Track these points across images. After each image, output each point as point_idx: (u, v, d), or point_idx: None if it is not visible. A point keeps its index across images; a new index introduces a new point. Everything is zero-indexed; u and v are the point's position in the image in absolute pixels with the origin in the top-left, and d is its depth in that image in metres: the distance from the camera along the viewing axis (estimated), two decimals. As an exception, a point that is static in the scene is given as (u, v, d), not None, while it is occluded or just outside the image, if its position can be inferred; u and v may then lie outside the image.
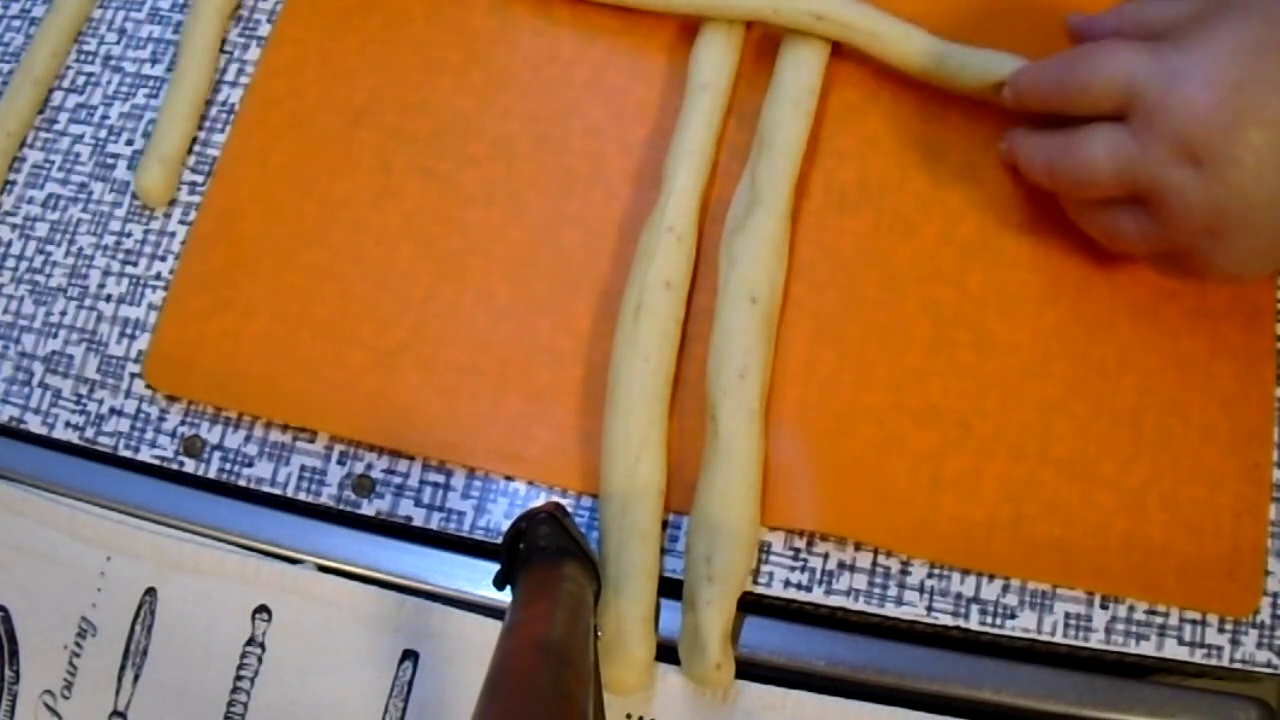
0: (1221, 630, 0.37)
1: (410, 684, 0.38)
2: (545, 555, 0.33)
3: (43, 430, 0.43)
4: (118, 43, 0.48)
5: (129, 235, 0.45)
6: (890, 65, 0.42)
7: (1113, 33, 0.37)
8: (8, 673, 0.40)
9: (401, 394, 0.41)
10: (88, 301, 0.44)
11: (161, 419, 0.42)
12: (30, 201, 0.46)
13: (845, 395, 0.39)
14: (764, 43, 0.44)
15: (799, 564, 0.38)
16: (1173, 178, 0.34)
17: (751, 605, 0.38)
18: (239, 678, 0.38)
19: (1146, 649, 0.37)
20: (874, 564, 0.38)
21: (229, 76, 0.47)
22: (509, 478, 0.40)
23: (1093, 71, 0.35)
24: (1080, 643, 0.37)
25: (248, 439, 0.42)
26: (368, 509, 0.40)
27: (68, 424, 0.43)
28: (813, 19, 0.41)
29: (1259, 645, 0.36)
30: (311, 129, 0.45)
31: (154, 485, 0.42)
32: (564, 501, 0.39)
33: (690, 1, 0.43)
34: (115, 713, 0.39)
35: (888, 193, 0.42)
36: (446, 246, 0.43)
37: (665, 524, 0.39)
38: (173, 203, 0.45)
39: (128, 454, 0.42)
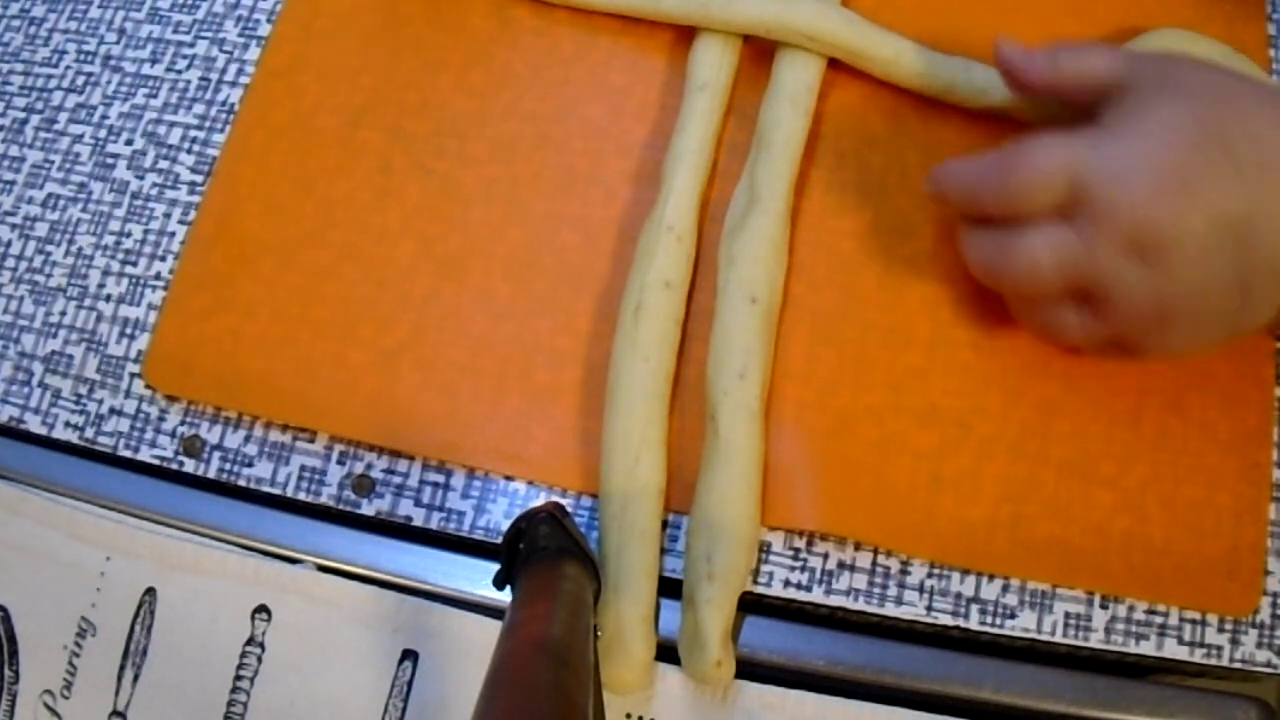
0: (1221, 630, 0.37)
1: (410, 684, 0.38)
2: (545, 555, 0.33)
3: (42, 430, 0.43)
4: (117, 43, 0.49)
5: (129, 235, 0.45)
6: (884, 80, 0.42)
7: (1044, 78, 0.37)
8: (7, 673, 0.40)
9: (401, 394, 0.41)
10: (87, 301, 0.44)
11: (161, 419, 0.42)
12: (30, 201, 0.46)
13: (845, 395, 0.39)
14: (763, 42, 0.44)
15: (799, 564, 0.38)
16: (1119, 274, 0.33)
17: (751, 605, 0.38)
18: (239, 677, 0.38)
19: (1146, 649, 0.37)
20: (874, 564, 0.38)
21: (229, 76, 0.47)
22: (509, 478, 0.40)
23: (1032, 170, 0.34)
24: (1080, 642, 0.37)
25: (247, 439, 0.42)
26: (368, 509, 0.40)
27: (67, 424, 0.43)
28: (805, 38, 0.41)
29: (1259, 645, 0.36)
30: (311, 129, 0.45)
31: (154, 485, 0.42)
32: (564, 501, 0.39)
33: (686, 15, 0.43)
34: (115, 712, 0.39)
35: (888, 193, 0.42)
36: (446, 246, 0.43)
37: (665, 524, 0.39)
38: (173, 203, 0.45)
39: (127, 454, 0.42)
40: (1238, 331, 0.35)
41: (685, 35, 0.44)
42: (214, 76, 0.47)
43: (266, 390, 0.41)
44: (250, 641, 0.39)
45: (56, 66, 0.49)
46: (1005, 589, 0.37)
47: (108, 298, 0.44)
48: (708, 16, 0.43)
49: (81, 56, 0.49)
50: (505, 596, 0.33)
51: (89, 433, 0.43)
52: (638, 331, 0.39)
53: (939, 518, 0.38)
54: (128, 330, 0.44)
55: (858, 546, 0.38)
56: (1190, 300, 0.33)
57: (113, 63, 0.48)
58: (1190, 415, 0.38)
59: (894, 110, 0.43)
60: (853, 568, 0.38)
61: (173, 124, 0.46)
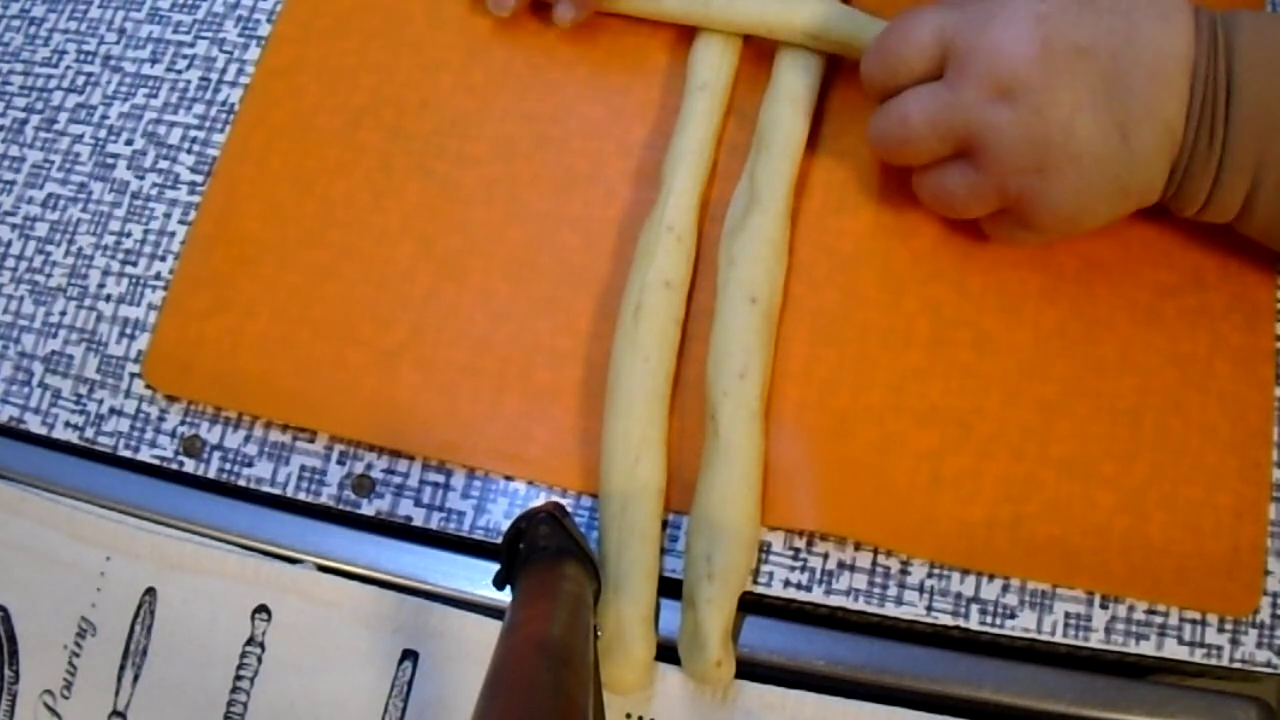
0: (1221, 630, 0.37)
1: (410, 684, 0.38)
2: (545, 555, 0.33)
3: (43, 430, 0.43)
4: (117, 43, 0.49)
5: (129, 235, 0.45)
6: None
7: None
8: (7, 673, 0.40)
9: (401, 394, 0.41)
10: (88, 301, 0.44)
11: (161, 419, 0.42)
12: (30, 201, 0.46)
13: (845, 395, 0.39)
14: (763, 42, 0.44)
15: (799, 564, 0.38)
16: (987, 117, 0.34)
17: (751, 605, 0.38)
18: (239, 677, 0.38)
19: (1146, 649, 0.37)
20: (874, 564, 0.38)
21: (229, 76, 0.47)
22: (509, 478, 0.40)
23: (904, 39, 0.36)
24: (1080, 642, 0.37)
25: (248, 439, 0.42)
26: (368, 509, 0.40)
27: (68, 424, 0.43)
28: (808, 37, 0.41)
29: (1259, 645, 0.36)
30: (311, 129, 0.45)
31: (154, 485, 0.42)
32: (564, 501, 0.39)
33: (686, 14, 0.43)
34: (115, 713, 0.39)
35: (888, 193, 0.42)
36: (446, 246, 0.43)
37: (665, 524, 0.39)
38: (173, 203, 0.45)
39: (127, 454, 0.42)
40: (1131, 194, 0.35)
41: (685, 35, 0.44)
42: (214, 76, 0.47)
43: (266, 390, 0.41)
44: (250, 641, 0.39)
45: (56, 66, 0.49)
46: (1005, 589, 0.37)
47: (108, 298, 0.44)
48: (708, 16, 0.43)
49: (81, 56, 0.49)
50: (505, 596, 0.33)
51: (89, 433, 0.43)
52: (638, 331, 0.39)
53: (939, 518, 0.38)
54: (128, 330, 0.44)
55: (858, 546, 0.38)
56: (1065, 141, 0.34)
57: (113, 63, 0.48)
58: (1190, 415, 0.38)
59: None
60: (853, 568, 0.38)
61: (173, 124, 0.46)
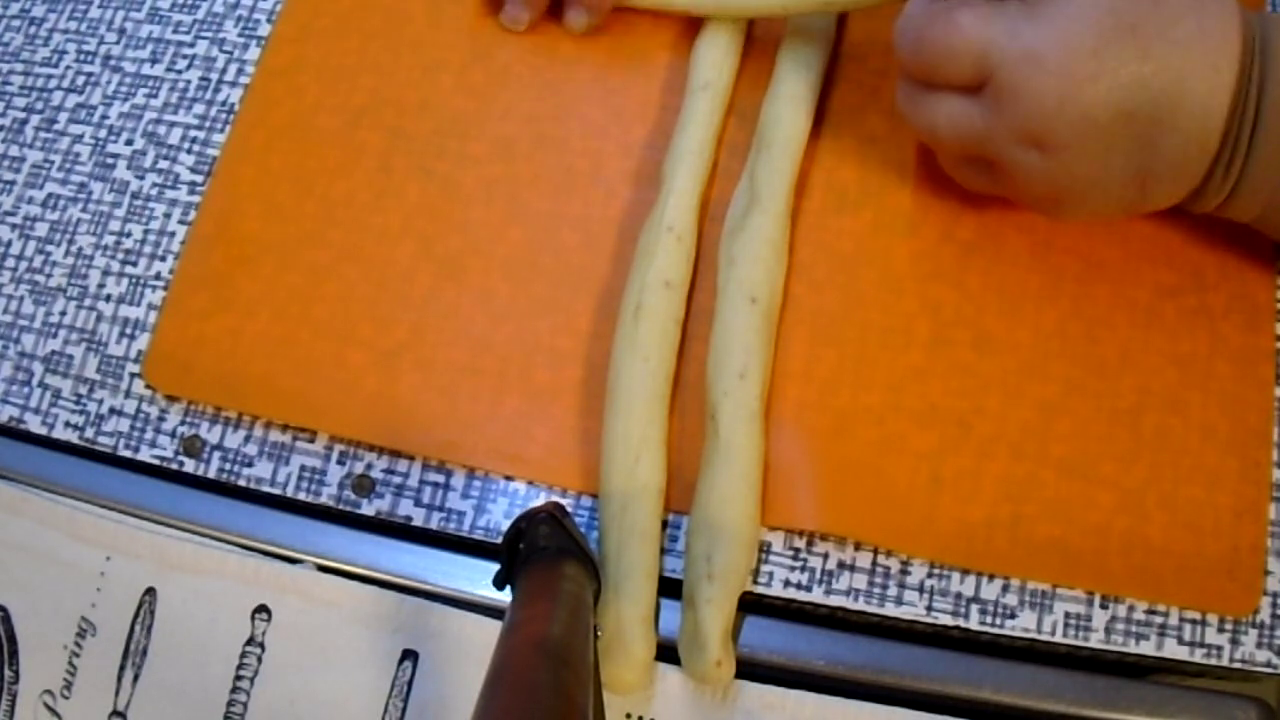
0: (1221, 630, 0.37)
1: (410, 684, 0.38)
2: (545, 555, 0.33)
3: (42, 430, 0.43)
4: (117, 43, 0.49)
5: (129, 235, 0.45)
6: None
7: None
8: (7, 673, 0.40)
9: (401, 394, 0.41)
10: (87, 301, 0.44)
11: (161, 419, 0.42)
12: (30, 201, 0.46)
13: (845, 395, 0.39)
14: (765, 41, 0.44)
15: (799, 564, 0.38)
16: (1015, 156, 0.34)
17: (751, 605, 0.38)
18: (238, 677, 0.38)
19: (1146, 649, 0.37)
20: (874, 564, 0.38)
21: (229, 76, 0.47)
22: (509, 478, 0.40)
23: (946, 45, 0.34)
24: (1080, 642, 0.37)
25: (248, 439, 0.42)
26: (368, 509, 0.40)
27: (67, 424, 0.43)
28: (824, 4, 0.41)
29: (1259, 645, 0.36)
30: (311, 129, 0.45)
31: (154, 485, 0.42)
32: (564, 501, 0.39)
33: (697, 5, 0.43)
34: (115, 713, 0.39)
35: (888, 192, 0.42)
36: (446, 246, 0.43)
37: (665, 524, 0.39)
38: (173, 203, 0.45)
39: (127, 454, 0.42)
40: (1139, 212, 0.37)
41: (686, 35, 0.44)
42: (214, 76, 0.47)
43: (266, 390, 0.41)
44: (250, 641, 0.39)
45: (56, 66, 0.49)
46: (1005, 589, 0.37)
47: (108, 298, 0.44)
48: (719, 5, 0.42)
49: (81, 56, 0.49)
50: (505, 596, 0.33)
51: (89, 433, 0.43)
52: (638, 331, 0.39)
53: (939, 518, 0.38)
54: (128, 330, 0.44)
55: (858, 546, 0.38)
56: (1085, 187, 0.35)
57: (113, 63, 0.48)
58: (1190, 415, 0.38)
59: (894, 110, 0.43)
60: (853, 568, 0.38)
61: (173, 124, 0.47)
